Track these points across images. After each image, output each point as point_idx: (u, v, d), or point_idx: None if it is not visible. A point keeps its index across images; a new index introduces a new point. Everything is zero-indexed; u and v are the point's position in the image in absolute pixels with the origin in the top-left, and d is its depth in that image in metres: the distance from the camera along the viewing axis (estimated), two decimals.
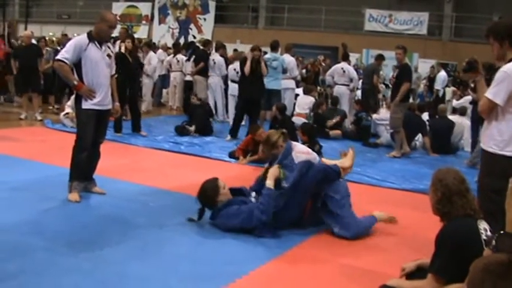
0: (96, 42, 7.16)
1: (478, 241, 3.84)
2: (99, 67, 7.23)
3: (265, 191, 6.37)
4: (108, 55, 7.37)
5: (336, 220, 6.52)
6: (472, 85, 11.75)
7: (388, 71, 23.05)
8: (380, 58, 16.94)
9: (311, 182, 6.46)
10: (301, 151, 6.81)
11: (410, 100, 14.96)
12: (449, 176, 4.12)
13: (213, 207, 6.59)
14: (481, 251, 3.58)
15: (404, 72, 12.24)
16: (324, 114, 14.98)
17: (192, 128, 12.82)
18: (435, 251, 4.06)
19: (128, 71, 12.30)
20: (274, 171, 6.50)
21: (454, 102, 16.63)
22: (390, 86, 21.26)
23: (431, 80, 23.44)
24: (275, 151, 6.96)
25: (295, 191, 6.44)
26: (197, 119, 13.34)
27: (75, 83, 7.13)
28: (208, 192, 6.60)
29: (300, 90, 16.63)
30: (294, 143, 7.07)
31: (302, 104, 15.71)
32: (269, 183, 6.37)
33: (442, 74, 21.70)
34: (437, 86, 21.40)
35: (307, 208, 6.64)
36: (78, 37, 7.37)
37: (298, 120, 13.99)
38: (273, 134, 7.18)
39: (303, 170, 6.44)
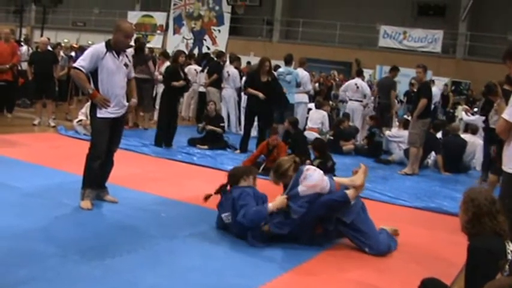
0: (113, 52, 7.18)
1: (503, 259, 3.80)
2: (115, 77, 7.23)
3: (261, 207, 6.46)
4: (125, 64, 7.38)
5: (360, 240, 6.59)
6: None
7: (401, 88, 22.99)
8: (395, 70, 16.78)
9: (315, 216, 6.49)
10: (309, 185, 6.55)
11: None
12: (481, 196, 4.07)
13: (234, 185, 6.92)
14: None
15: (423, 90, 12.25)
16: (345, 131, 14.96)
17: (205, 147, 12.82)
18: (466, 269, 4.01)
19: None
20: (281, 201, 6.51)
21: (465, 118, 16.52)
22: (403, 102, 21.32)
23: (444, 98, 23.43)
24: (284, 180, 6.82)
25: (301, 222, 6.47)
26: (211, 133, 13.39)
27: (90, 91, 7.13)
28: (239, 170, 7.15)
29: (313, 105, 16.62)
30: (305, 172, 6.72)
31: (314, 119, 15.71)
32: (270, 206, 6.44)
33: (434, 89, 21.56)
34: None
35: (317, 231, 6.65)
36: (96, 45, 7.38)
37: (310, 135, 13.98)
38: (284, 162, 6.93)
39: (309, 205, 6.44)
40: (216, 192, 7.01)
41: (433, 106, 20.63)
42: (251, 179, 7.05)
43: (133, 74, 7.72)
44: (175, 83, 12.50)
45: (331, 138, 14.77)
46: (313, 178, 6.59)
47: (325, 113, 16.00)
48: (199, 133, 13.60)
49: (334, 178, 6.97)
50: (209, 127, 13.38)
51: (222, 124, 13.85)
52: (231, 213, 6.59)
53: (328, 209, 6.50)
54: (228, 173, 7.21)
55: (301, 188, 6.51)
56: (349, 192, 6.56)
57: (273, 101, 12.72)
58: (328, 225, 6.61)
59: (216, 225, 6.94)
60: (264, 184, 7.68)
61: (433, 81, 22.60)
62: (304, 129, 14.71)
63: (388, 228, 7.13)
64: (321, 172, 6.80)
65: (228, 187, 7.00)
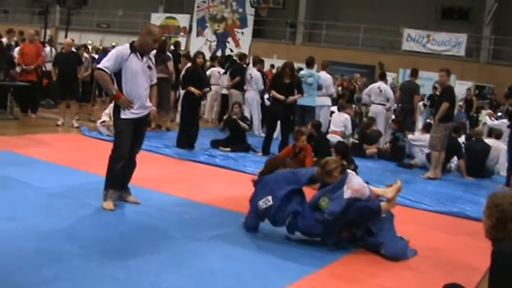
0: (138, 54, 7.20)
1: None
2: (139, 78, 7.25)
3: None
4: (149, 66, 7.41)
5: (375, 241, 6.60)
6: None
7: (424, 91, 22.88)
8: (416, 73, 16.66)
9: (345, 220, 6.50)
10: (354, 188, 6.54)
11: None
12: (506, 202, 4.01)
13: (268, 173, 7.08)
14: None
15: (445, 94, 12.20)
16: (371, 134, 14.94)
17: (227, 149, 12.83)
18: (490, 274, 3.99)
19: (201, 86, 12.78)
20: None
21: (489, 122, 16.40)
22: (426, 104, 21.22)
23: (467, 102, 23.29)
24: (328, 179, 6.75)
25: (331, 223, 6.48)
26: (234, 133, 13.43)
27: (114, 92, 7.15)
28: (276, 161, 7.44)
29: (335, 108, 16.58)
30: (350, 175, 6.73)
31: (337, 122, 15.63)
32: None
33: None
34: None
35: (342, 234, 6.65)
36: (121, 47, 7.41)
37: (333, 138, 13.91)
38: (332, 162, 6.89)
39: (346, 206, 6.44)
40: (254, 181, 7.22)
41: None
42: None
43: (155, 79, 7.71)
44: (190, 88, 12.50)
45: (356, 141, 14.74)
46: (356, 182, 6.61)
47: (347, 116, 15.91)
48: (221, 131, 13.63)
49: (372, 188, 6.95)
50: (234, 117, 13.44)
51: (247, 122, 13.95)
52: (272, 196, 6.67)
53: (360, 215, 6.50)
54: (265, 162, 7.50)
55: (346, 191, 6.48)
56: (383, 205, 6.57)
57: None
58: (356, 230, 6.62)
59: (245, 225, 6.97)
60: None
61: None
62: (327, 133, 14.66)
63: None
64: (361, 179, 6.81)
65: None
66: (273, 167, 7.16)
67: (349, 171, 6.87)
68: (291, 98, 12.46)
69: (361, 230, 6.63)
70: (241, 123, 13.41)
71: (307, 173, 6.95)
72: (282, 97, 12.46)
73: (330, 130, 15.25)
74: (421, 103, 19.33)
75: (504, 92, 7.76)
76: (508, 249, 3.88)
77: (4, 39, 18.31)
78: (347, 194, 6.45)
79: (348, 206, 6.40)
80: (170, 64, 15.07)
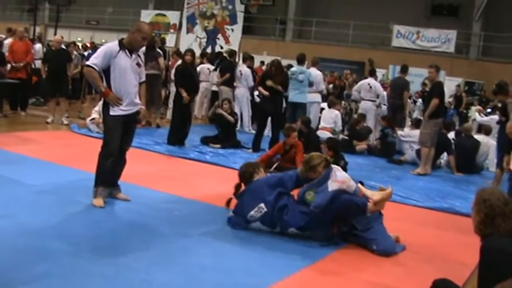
0: (126, 51, 7.19)
1: None
2: (128, 75, 7.23)
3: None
4: (138, 64, 7.39)
5: (366, 237, 6.62)
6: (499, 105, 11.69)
7: (414, 88, 22.94)
8: (406, 69, 16.67)
9: (332, 213, 6.48)
10: (339, 180, 6.60)
11: None
12: (494, 197, 4.04)
13: (248, 183, 6.96)
14: None
15: (434, 90, 12.22)
16: (361, 131, 14.96)
17: (217, 146, 12.81)
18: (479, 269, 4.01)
19: (193, 83, 12.76)
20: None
21: (479, 118, 16.47)
22: (416, 101, 21.27)
23: (457, 98, 23.36)
24: (312, 174, 6.79)
25: (318, 217, 6.48)
26: (224, 130, 13.42)
27: (103, 89, 7.14)
28: (249, 168, 7.14)
29: (325, 104, 16.60)
30: (334, 169, 6.77)
31: (327, 118, 15.65)
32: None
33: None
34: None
35: (333, 230, 6.66)
36: (109, 44, 7.40)
37: (323, 134, 13.95)
38: (316, 157, 6.95)
39: (332, 200, 6.44)
40: (236, 194, 7.02)
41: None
42: (262, 171, 7.19)
43: (144, 77, 7.68)
44: (182, 91, 12.43)
45: (346, 137, 14.76)
46: (340, 175, 6.66)
47: (337, 113, 15.94)
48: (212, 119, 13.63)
49: (360, 186, 6.97)
50: (220, 111, 13.45)
51: (236, 117, 14.00)
52: (264, 203, 6.63)
53: (346, 209, 6.50)
54: (239, 173, 7.21)
55: (331, 184, 6.52)
56: (370, 205, 6.56)
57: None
58: (343, 226, 6.64)
59: (231, 225, 6.96)
60: None
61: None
62: (317, 129, 14.68)
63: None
64: (345, 173, 6.86)
65: (243, 186, 7.03)
66: (249, 174, 7.08)
67: (333, 166, 6.91)
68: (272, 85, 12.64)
69: (347, 226, 6.64)
70: (227, 116, 13.36)
71: (292, 177, 6.93)
72: (266, 93, 12.55)
73: (320, 126, 15.29)
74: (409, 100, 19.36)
75: (492, 89, 7.80)
76: (496, 244, 3.90)
77: None
78: (332, 186, 6.49)
79: (334, 198, 6.42)
80: (161, 60, 15.06)
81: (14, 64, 14.84)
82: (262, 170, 7.25)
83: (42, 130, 13.21)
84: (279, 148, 11.11)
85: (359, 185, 6.88)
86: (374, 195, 6.68)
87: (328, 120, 15.55)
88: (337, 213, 6.51)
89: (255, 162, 7.48)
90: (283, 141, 11.09)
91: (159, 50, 15.30)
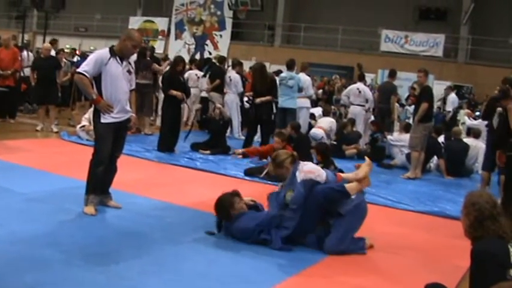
0: (117, 58, 7.19)
1: (507, 262, 3.82)
2: (119, 82, 7.23)
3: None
4: (128, 71, 7.40)
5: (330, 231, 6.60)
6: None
7: (402, 92, 22.99)
8: (394, 74, 16.77)
9: (314, 204, 6.47)
10: (305, 170, 6.69)
11: None
12: (482, 200, 4.09)
13: (228, 218, 6.74)
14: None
15: (424, 94, 12.27)
16: (348, 135, 14.98)
17: (207, 152, 12.77)
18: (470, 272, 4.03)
19: (182, 89, 12.82)
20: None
21: (468, 122, 16.53)
22: (405, 105, 21.31)
23: (444, 101, 23.43)
24: (280, 171, 6.90)
25: (303, 212, 6.46)
26: (215, 135, 13.43)
27: (94, 96, 7.14)
28: (223, 203, 6.81)
29: (314, 110, 16.63)
30: (302, 163, 6.90)
31: (324, 121, 15.68)
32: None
33: (452, 96, 21.59)
34: (448, 107, 21.32)
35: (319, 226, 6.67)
36: (100, 51, 7.40)
37: (317, 131, 14.08)
38: (282, 153, 7.09)
39: (306, 191, 6.45)
40: (218, 231, 6.84)
41: (451, 113, 20.81)
42: (238, 200, 6.88)
43: (134, 84, 7.70)
44: (173, 92, 12.48)
45: (334, 143, 14.78)
46: (308, 167, 6.79)
47: (333, 120, 16.05)
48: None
49: (339, 174, 7.01)
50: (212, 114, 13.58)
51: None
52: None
53: (326, 198, 6.49)
54: (215, 208, 6.88)
55: (298, 175, 6.61)
56: (350, 186, 6.58)
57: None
58: (329, 218, 6.63)
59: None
60: (269, 188, 7.74)
61: (451, 88, 22.64)
62: (307, 134, 14.66)
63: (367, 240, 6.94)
64: (314, 165, 7.00)
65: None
66: (226, 209, 6.79)
67: (300, 161, 6.97)
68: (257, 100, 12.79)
69: (334, 217, 6.60)
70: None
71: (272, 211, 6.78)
72: (257, 100, 12.73)
73: (316, 125, 15.34)
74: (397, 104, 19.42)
75: (495, 94, 7.92)
76: (487, 247, 3.93)
77: None
78: (300, 177, 6.59)
79: (309, 190, 6.45)
80: (155, 66, 15.13)
81: (1, 72, 14.76)
82: (239, 198, 6.92)
83: (31, 138, 13.18)
84: (268, 150, 11.15)
85: (338, 174, 6.95)
86: (357, 174, 6.72)
87: (326, 123, 15.56)
88: (320, 207, 6.50)
89: (229, 193, 7.16)
90: (272, 146, 11.13)
91: (149, 59, 15.32)
